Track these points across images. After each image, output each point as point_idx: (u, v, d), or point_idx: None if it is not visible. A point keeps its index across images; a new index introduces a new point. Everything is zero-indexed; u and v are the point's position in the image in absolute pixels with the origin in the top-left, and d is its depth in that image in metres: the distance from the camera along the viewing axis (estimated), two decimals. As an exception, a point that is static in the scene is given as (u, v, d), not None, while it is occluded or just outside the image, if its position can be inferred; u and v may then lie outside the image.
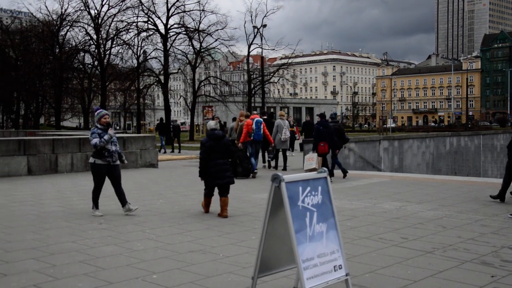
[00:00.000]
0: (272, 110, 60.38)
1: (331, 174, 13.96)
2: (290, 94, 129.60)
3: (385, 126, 67.55)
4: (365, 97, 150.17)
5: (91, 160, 8.67)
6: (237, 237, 7.05)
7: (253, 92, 48.53)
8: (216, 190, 8.85)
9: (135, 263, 5.77)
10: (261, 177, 14.45)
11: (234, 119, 23.23)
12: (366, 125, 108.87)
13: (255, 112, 18.33)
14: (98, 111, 8.74)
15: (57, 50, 46.64)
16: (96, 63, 46.13)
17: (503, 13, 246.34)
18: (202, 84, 47.15)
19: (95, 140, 8.40)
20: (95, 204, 8.80)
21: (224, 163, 8.63)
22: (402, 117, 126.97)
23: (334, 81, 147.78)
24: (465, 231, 7.38)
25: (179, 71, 49.25)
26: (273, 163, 16.99)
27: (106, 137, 8.47)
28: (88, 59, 48.68)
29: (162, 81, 43.58)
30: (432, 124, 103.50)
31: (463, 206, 9.47)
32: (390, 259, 5.93)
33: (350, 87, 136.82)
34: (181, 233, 7.32)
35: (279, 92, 53.57)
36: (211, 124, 8.80)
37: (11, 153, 14.60)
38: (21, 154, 14.85)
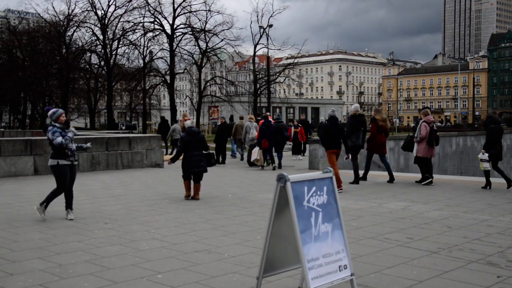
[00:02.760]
0: (278, 110, 60.35)
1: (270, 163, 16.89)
2: (296, 94, 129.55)
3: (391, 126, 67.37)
4: (371, 97, 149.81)
5: (53, 162, 8.19)
6: (242, 237, 7.06)
7: (259, 92, 48.53)
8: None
9: (141, 263, 5.78)
10: (266, 177, 14.45)
11: (231, 118, 23.36)
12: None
13: (268, 113, 19.40)
14: (54, 110, 8.39)
15: (63, 51, 46.81)
16: (102, 63, 46.29)
17: (511, 12, 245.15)
18: (208, 84, 47.21)
19: (60, 139, 8.03)
20: (46, 205, 8.33)
21: (199, 154, 10.34)
22: (408, 117, 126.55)
23: (340, 81, 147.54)
24: (471, 231, 7.35)
25: (185, 71, 49.34)
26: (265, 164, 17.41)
27: (70, 134, 8.24)
28: (94, 59, 48.89)
29: (168, 81, 43.69)
30: (439, 124, 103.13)
31: (469, 206, 9.44)
32: (395, 259, 5.92)
33: (356, 87, 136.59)
34: (187, 233, 7.33)
35: (285, 92, 53.58)
36: (188, 123, 10.68)
37: (18, 153, 14.67)
38: (27, 154, 14.92)
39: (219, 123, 23.00)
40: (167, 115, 48.21)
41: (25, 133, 34.70)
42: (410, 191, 11.55)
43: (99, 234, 7.25)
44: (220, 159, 19.26)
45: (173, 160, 10.65)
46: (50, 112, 8.38)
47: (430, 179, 12.55)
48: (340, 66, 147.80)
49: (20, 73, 48.06)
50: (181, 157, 10.50)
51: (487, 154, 11.65)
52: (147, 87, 47.94)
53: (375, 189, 12.03)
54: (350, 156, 12.52)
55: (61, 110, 8.45)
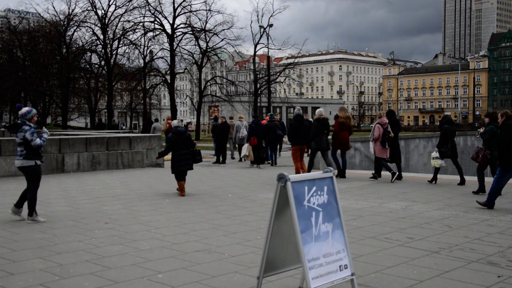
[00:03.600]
0: (278, 110, 60.34)
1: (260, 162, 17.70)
2: (296, 94, 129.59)
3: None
4: (372, 97, 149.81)
5: (30, 163, 8.04)
6: (243, 237, 7.06)
7: (259, 92, 48.51)
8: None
9: (141, 263, 5.79)
10: (266, 177, 14.45)
11: (216, 119, 23.83)
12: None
13: (271, 113, 20.21)
14: (28, 109, 8.24)
15: (64, 50, 46.81)
16: (103, 63, 46.28)
17: (511, 12, 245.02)
18: (208, 84, 47.18)
19: (39, 141, 8.02)
20: (34, 210, 8.16)
21: (186, 153, 10.97)
22: (409, 117, 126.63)
23: (340, 80, 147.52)
24: (471, 231, 7.35)
25: (185, 71, 49.31)
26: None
27: (45, 135, 8.22)
28: (95, 59, 48.86)
29: (169, 81, 43.67)
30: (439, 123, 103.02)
31: (470, 206, 9.43)
32: (396, 259, 5.92)
33: (357, 86, 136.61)
34: (187, 232, 7.33)
35: (285, 91, 53.53)
36: (175, 122, 11.38)
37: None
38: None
39: (217, 122, 23.65)
40: (168, 114, 48.20)
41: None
42: (411, 191, 11.55)
43: (100, 234, 7.26)
44: (221, 159, 19.25)
45: (160, 155, 11.58)
46: (24, 111, 8.18)
47: (395, 172, 13.16)
48: (340, 66, 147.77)
49: (21, 72, 48.03)
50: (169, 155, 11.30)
51: (438, 152, 12.55)
52: (148, 87, 47.93)
53: (375, 189, 12.03)
54: (309, 152, 14.25)
55: (35, 110, 8.37)
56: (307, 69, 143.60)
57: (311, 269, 4.10)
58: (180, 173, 10.98)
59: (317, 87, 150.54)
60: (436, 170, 12.85)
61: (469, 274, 5.37)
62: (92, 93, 49.38)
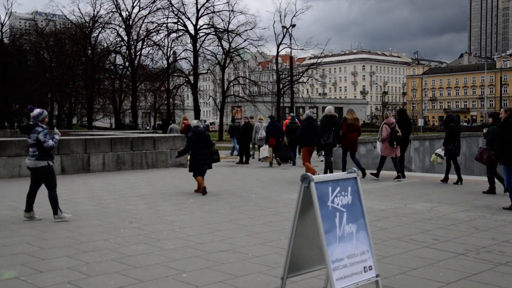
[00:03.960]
0: (301, 110, 60.20)
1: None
2: (319, 94, 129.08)
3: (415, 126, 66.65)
4: (395, 97, 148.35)
5: (43, 163, 8.13)
6: (267, 237, 7.07)
7: (282, 92, 48.49)
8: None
9: (166, 262, 5.84)
10: (290, 177, 14.43)
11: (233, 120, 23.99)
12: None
13: (292, 114, 20.71)
14: (40, 111, 8.36)
15: (89, 52, 47.49)
16: (127, 64, 46.83)
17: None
18: (231, 84, 47.34)
19: (52, 142, 8.12)
20: (58, 208, 8.29)
21: (205, 152, 11.23)
22: (433, 117, 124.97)
23: (363, 80, 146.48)
24: (499, 233, 7.24)
25: (209, 71, 49.58)
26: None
27: (57, 136, 8.31)
28: (119, 60, 49.49)
29: (192, 82, 43.94)
30: (464, 124, 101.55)
31: (497, 208, 9.28)
32: (421, 261, 5.86)
33: (380, 86, 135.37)
34: (211, 232, 7.37)
35: (308, 92, 53.43)
36: (194, 122, 11.67)
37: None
38: (54, 153, 15.12)
39: (235, 124, 24.55)
40: (191, 115, 48.44)
41: (52, 133, 35.22)
42: (436, 192, 11.41)
43: (125, 233, 7.34)
44: (244, 159, 19.30)
45: (180, 154, 11.99)
46: (36, 112, 8.31)
47: (399, 175, 13.56)
48: (363, 65, 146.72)
49: (48, 74, 48.88)
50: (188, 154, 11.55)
51: (445, 150, 12.89)
52: (171, 88, 48.29)
53: (400, 189, 11.92)
54: (322, 153, 14.27)
55: (45, 112, 8.46)
56: (330, 69, 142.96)
57: (335, 270, 4.09)
58: (199, 172, 11.27)
59: (340, 87, 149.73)
60: (447, 169, 13.12)
61: (497, 277, 5.28)
62: (116, 93, 49.99)
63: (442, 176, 13.36)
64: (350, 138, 14.19)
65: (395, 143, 13.62)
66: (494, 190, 11.01)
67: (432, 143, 25.01)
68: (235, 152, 23.20)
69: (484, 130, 11.49)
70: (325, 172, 13.72)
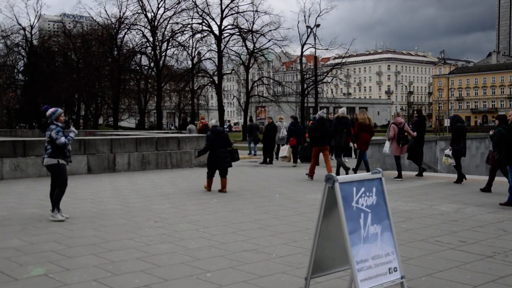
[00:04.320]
0: (324, 110, 59.97)
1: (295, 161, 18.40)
2: (344, 94, 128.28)
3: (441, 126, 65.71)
4: (421, 97, 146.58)
5: (53, 161, 8.16)
6: (290, 237, 7.05)
7: (306, 92, 48.37)
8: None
9: (190, 261, 5.87)
10: (314, 177, 14.37)
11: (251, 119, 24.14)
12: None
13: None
14: (53, 110, 8.35)
15: (115, 53, 48.06)
16: (152, 64, 47.25)
17: None
18: (255, 84, 47.40)
19: (64, 139, 8.09)
20: (58, 207, 8.29)
21: (224, 151, 11.36)
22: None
23: (388, 80, 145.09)
24: (527, 236, 7.09)
25: (233, 71, 49.72)
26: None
27: (72, 134, 8.28)
28: (144, 60, 49.99)
29: (216, 82, 44.14)
30: (492, 124, 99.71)
31: (526, 210, 9.10)
32: (447, 263, 5.77)
33: (405, 86, 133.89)
34: (235, 232, 7.39)
35: (332, 92, 53.13)
36: (213, 122, 11.99)
37: (73, 153, 15.02)
38: (81, 153, 15.39)
39: (253, 123, 24.96)
40: (215, 115, 48.68)
41: (79, 133, 35.78)
42: (462, 193, 11.24)
43: (150, 232, 7.41)
44: (268, 159, 19.30)
45: (199, 154, 12.02)
46: (49, 112, 8.33)
47: (400, 174, 13.95)
48: (388, 65, 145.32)
49: (75, 75, 49.65)
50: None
51: (451, 150, 13.15)
52: (195, 88, 48.58)
53: (425, 190, 11.77)
54: (334, 153, 14.89)
55: (61, 110, 8.44)
56: (354, 69, 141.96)
57: (360, 271, 4.06)
58: (215, 172, 11.50)
59: (364, 87, 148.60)
60: (457, 168, 13.29)
61: (525, 280, 5.18)
62: (141, 94, 50.50)
63: (467, 176, 13.30)
64: (361, 138, 14.37)
65: (401, 142, 13.92)
66: (490, 188, 11.27)
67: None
68: (252, 152, 23.66)
69: (491, 132, 11.54)
70: (337, 172, 14.00)
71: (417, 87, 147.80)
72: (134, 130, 43.57)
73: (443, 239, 6.90)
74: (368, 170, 14.13)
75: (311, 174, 13.88)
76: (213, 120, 12.31)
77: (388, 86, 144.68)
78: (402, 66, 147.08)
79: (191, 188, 12.23)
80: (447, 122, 65.95)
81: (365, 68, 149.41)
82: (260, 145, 22.66)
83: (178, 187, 12.58)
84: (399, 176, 13.90)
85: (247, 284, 5.09)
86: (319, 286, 4.97)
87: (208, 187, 11.60)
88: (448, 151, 13.32)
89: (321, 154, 14.22)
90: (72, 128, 8.48)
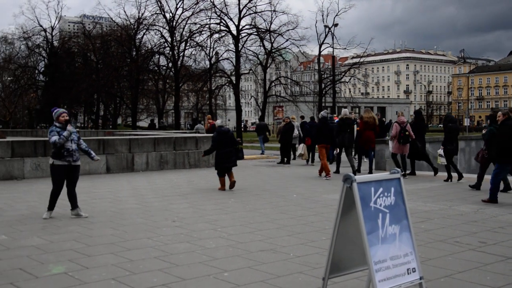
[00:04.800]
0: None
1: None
2: (362, 94, 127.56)
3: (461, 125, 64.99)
4: (440, 96, 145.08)
5: (50, 161, 8.20)
6: (308, 237, 7.04)
7: (324, 92, 48.17)
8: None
9: (207, 261, 5.89)
10: (331, 178, 14.32)
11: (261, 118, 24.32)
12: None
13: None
14: (54, 110, 8.35)
15: (134, 53, 48.37)
16: (170, 65, 47.43)
17: None
18: (273, 84, 47.33)
19: (54, 138, 7.95)
20: (50, 207, 8.35)
21: (230, 150, 11.73)
22: (480, 117, 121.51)
23: (407, 80, 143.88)
24: (549, 237, 6.97)
25: (250, 71, 49.71)
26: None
27: (65, 133, 8.03)
28: (162, 61, 50.14)
29: (234, 82, 44.16)
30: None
31: (548, 211, 8.95)
32: (467, 264, 5.71)
33: (424, 86, 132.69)
34: (252, 232, 7.40)
35: (350, 91, 52.85)
36: (218, 122, 12.37)
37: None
38: (100, 153, 15.53)
39: (262, 122, 25.23)
40: (233, 115, 48.77)
41: (98, 133, 36.14)
42: (482, 194, 11.09)
43: (168, 231, 7.45)
44: (285, 159, 19.28)
45: (205, 153, 12.53)
46: (52, 112, 8.35)
47: (403, 173, 14.12)
48: (407, 64, 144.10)
49: (94, 75, 50.09)
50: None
51: (443, 150, 13.46)
52: (213, 88, 48.67)
53: (444, 191, 11.66)
54: (338, 150, 16.04)
55: (61, 110, 8.34)
56: (372, 68, 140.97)
57: (378, 271, 4.03)
58: (224, 169, 11.77)
59: (383, 86, 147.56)
60: (447, 168, 13.62)
61: (547, 282, 5.09)
62: (160, 94, 50.75)
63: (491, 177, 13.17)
64: (366, 136, 15.20)
65: (401, 141, 14.26)
66: (479, 186, 11.55)
67: (479, 144, 24.30)
68: (266, 152, 24.08)
69: (483, 131, 11.93)
70: (337, 169, 15.39)
71: (436, 86, 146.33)
72: (146, 130, 43.85)
73: (463, 240, 6.83)
74: (371, 168, 15.22)
75: (327, 173, 14.24)
76: (218, 120, 12.71)
77: (406, 85, 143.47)
78: (421, 65, 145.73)
79: (209, 188, 12.27)
80: (467, 122, 65.21)
81: (383, 67, 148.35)
82: (269, 144, 22.94)
83: (195, 186, 12.63)
84: (404, 175, 14.02)
85: (264, 284, 5.10)
86: (337, 286, 4.96)
87: (222, 186, 11.83)
88: (440, 151, 13.67)
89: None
90: (69, 127, 8.15)
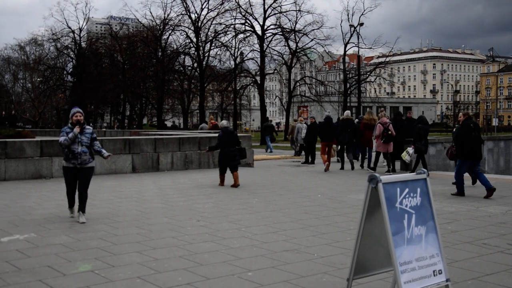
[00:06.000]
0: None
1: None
2: (387, 93, 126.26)
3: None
4: (468, 96, 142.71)
5: (62, 163, 8.19)
6: (332, 238, 7.00)
7: (349, 92, 47.88)
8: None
9: (231, 260, 5.91)
10: (356, 178, 14.23)
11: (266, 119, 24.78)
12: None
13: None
14: (72, 109, 8.17)
15: (159, 54, 48.82)
16: (195, 65, 47.73)
17: None
18: (298, 84, 47.26)
19: (61, 139, 7.83)
20: (69, 204, 8.34)
21: (234, 150, 12.27)
22: (509, 116, 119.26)
23: (434, 79, 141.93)
24: None
25: (275, 71, 49.71)
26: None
27: (70, 135, 7.82)
28: (188, 61, 50.50)
29: (258, 82, 44.20)
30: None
31: None
32: (495, 266, 5.61)
33: (451, 85, 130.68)
34: (276, 232, 7.39)
35: (375, 91, 52.45)
36: (224, 123, 12.89)
37: (118, 152, 15.48)
38: (126, 152, 15.71)
39: (269, 123, 25.99)
40: (257, 115, 48.82)
41: (124, 133, 36.55)
42: (511, 195, 10.89)
43: (192, 231, 7.50)
44: (310, 159, 19.22)
45: (210, 149, 13.20)
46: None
47: (389, 169, 15.43)
48: (434, 64, 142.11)
49: (120, 76, 50.74)
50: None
51: (413, 148, 14.48)
52: (238, 88, 48.80)
53: (471, 192, 11.47)
54: (339, 147, 17.88)
55: (76, 110, 8.10)
56: (398, 68, 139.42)
57: (403, 273, 3.99)
58: (225, 167, 12.42)
59: (409, 86, 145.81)
60: (406, 164, 15.20)
61: None
62: (185, 94, 51.12)
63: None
64: (365, 136, 16.62)
65: (384, 140, 15.21)
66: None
67: (507, 144, 23.85)
68: (269, 150, 25.18)
69: (454, 130, 12.88)
70: (341, 167, 16.78)
71: (464, 85, 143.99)
72: (172, 130, 44.13)
73: (491, 242, 6.71)
74: (369, 164, 16.31)
75: (326, 165, 16.15)
76: (224, 121, 13.34)
77: (433, 85, 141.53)
78: (448, 65, 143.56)
79: (233, 188, 12.30)
80: (495, 122, 64.04)
81: (409, 67, 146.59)
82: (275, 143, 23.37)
83: (220, 186, 12.67)
84: (373, 168, 15.71)
85: (288, 284, 5.09)
86: (361, 287, 4.92)
87: (221, 182, 12.52)
88: (410, 149, 14.54)
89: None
90: (75, 129, 7.92)
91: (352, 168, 16.60)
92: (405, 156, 14.63)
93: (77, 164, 7.94)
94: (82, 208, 8.10)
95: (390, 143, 15.32)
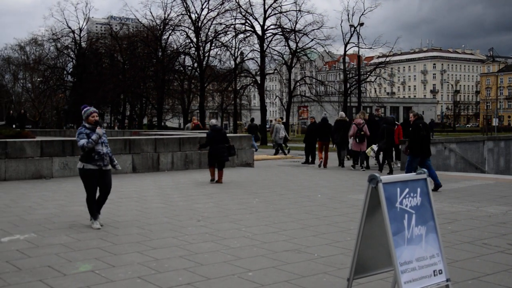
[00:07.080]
0: (368, 110, 59.21)
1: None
2: (387, 93, 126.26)
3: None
4: (468, 96, 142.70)
5: (79, 165, 7.61)
6: (332, 238, 7.01)
7: (349, 92, 47.87)
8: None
9: (232, 260, 5.91)
10: (356, 178, 14.23)
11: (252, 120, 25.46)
12: (469, 125, 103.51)
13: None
14: (85, 109, 7.75)
15: (160, 54, 48.79)
16: (195, 65, 47.70)
17: None
18: (298, 84, 47.23)
19: (83, 141, 7.39)
20: (93, 215, 7.76)
21: (222, 147, 12.99)
22: (509, 116, 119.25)
23: (434, 79, 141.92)
24: None
25: (275, 71, 49.69)
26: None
27: (94, 136, 7.44)
28: (188, 61, 50.44)
29: (259, 82, 44.19)
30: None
31: None
32: (495, 266, 5.61)
33: (452, 85, 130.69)
34: (276, 232, 7.40)
35: (375, 91, 52.43)
36: (213, 121, 13.77)
37: (118, 152, 15.47)
38: (126, 152, 15.72)
39: (252, 123, 28.79)
40: (257, 115, 48.86)
41: (124, 133, 36.54)
42: (511, 195, 10.89)
43: (192, 231, 7.50)
44: (310, 159, 19.22)
45: (201, 147, 14.03)
46: (82, 112, 7.78)
47: (362, 165, 16.72)
48: (434, 64, 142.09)
49: (120, 76, 50.68)
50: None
51: (377, 146, 15.61)
52: (238, 88, 48.78)
53: (472, 191, 11.47)
54: (336, 147, 18.63)
55: (92, 109, 7.75)
56: (398, 68, 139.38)
57: (404, 273, 3.99)
58: (213, 162, 13.13)
59: (409, 86, 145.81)
60: (368, 159, 16.55)
61: None
62: (185, 94, 51.08)
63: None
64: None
65: (357, 139, 16.28)
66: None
67: (508, 144, 23.86)
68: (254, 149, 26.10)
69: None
70: (340, 164, 17.72)
71: (464, 85, 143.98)
72: (170, 130, 44.12)
73: (491, 242, 6.71)
74: (362, 162, 16.88)
75: (320, 162, 17.41)
76: (213, 120, 14.24)
77: (433, 85, 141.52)
78: (448, 65, 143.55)
79: (233, 188, 12.31)
80: (495, 122, 64.05)
81: (409, 66, 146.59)
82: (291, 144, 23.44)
83: (220, 186, 12.68)
84: (353, 166, 16.98)
85: (288, 284, 5.09)
86: (361, 287, 4.93)
87: (212, 175, 13.26)
88: (375, 146, 15.71)
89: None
90: (98, 129, 7.58)
91: (342, 165, 17.69)
92: (369, 152, 15.97)
93: (103, 165, 7.65)
94: (99, 213, 7.86)
95: (364, 142, 16.36)
